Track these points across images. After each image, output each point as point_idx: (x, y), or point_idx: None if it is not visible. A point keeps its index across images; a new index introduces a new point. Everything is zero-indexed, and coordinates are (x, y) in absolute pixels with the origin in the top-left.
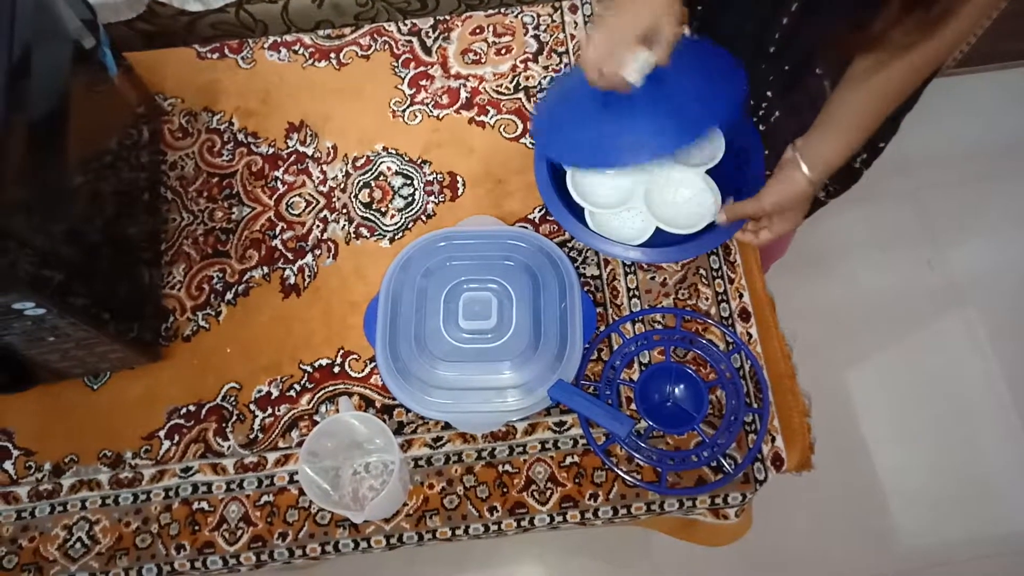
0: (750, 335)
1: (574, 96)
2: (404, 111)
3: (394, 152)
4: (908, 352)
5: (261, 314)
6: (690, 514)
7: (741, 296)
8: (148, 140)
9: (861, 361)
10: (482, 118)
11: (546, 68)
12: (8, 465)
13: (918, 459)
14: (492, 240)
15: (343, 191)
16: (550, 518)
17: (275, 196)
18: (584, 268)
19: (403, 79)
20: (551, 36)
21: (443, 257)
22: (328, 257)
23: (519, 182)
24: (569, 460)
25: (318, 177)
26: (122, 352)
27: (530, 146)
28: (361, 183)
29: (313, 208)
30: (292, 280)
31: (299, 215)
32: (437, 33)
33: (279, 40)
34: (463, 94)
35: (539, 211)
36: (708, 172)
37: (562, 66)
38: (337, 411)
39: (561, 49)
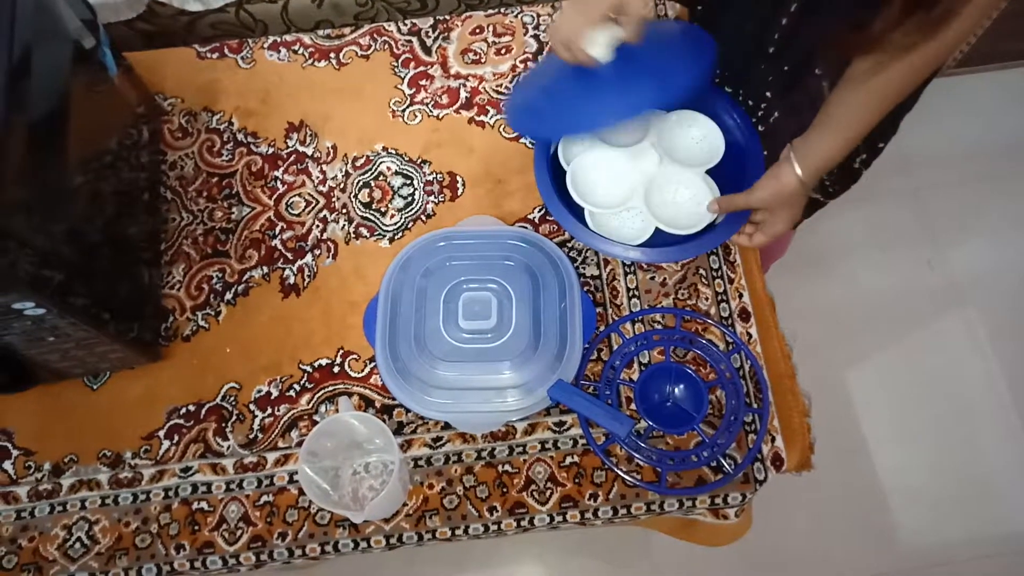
0: (750, 335)
1: (546, 74)
2: (404, 111)
3: (394, 152)
4: (908, 352)
5: (261, 314)
6: (690, 514)
7: (741, 296)
8: (148, 140)
9: (861, 361)
10: (482, 118)
11: None
12: (8, 465)
13: (918, 459)
14: (492, 240)
15: (343, 191)
16: (550, 518)
17: (275, 196)
18: (584, 268)
19: (403, 79)
20: None
21: (443, 257)
22: (328, 257)
23: (519, 182)
24: (569, 460)
25: (318, 177)
26: (122, 352)
27: (530, 146)
28: (361, 183)
29: (313, 208)
30: (292, 280)
31: (299, 215)
32: (437, 33)
33: (279, 40)
34: (463, 94)
35: (539, 211)
36: (708, 172)
37: None
38: (337, 411)
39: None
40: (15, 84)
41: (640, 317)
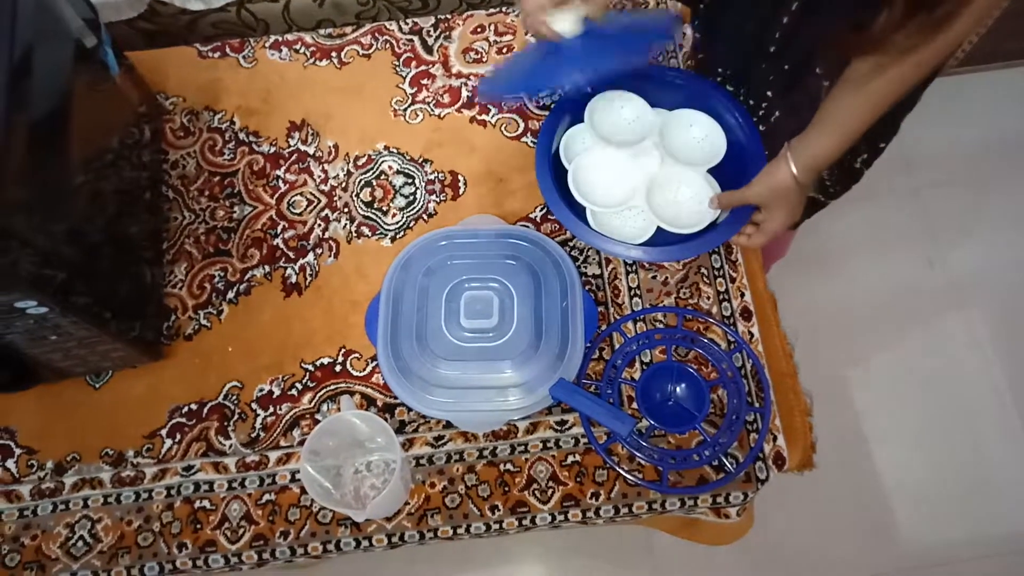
0: (752, 334)
1: (520, 53)
2: (405, 110)
3: (395, 151)
4: (909, 351)
5: (263, 313)
6: (692, 513)
7: (743, 295)
8: (150, 139)
9: (863, 360)
10: (483, 117)
11: None
12: (11, 463)
13: (919, 458)
14: (493, 239)
15: (344, 190)
16: (551, 517)
17: (276, 195)
18: (585, 267)
19: (404, 78)
20: None
21: (444, 256)
22: (329, 256)
23: (520, 181)
24: (570, 459)
25: (319, 176)
26: (124, 351)
27: (531, 145)
28: (362, 182)
29: (314, 207)
30: (294, 279)
31: (300, 214)
32: (438, 32)
33: (280, 39)
34: (464, 93)
35: (540, 210)
36: (709, 172)
37: None
38: (339, 410)
39: None
40: (16, 83)
41: (642, 316)
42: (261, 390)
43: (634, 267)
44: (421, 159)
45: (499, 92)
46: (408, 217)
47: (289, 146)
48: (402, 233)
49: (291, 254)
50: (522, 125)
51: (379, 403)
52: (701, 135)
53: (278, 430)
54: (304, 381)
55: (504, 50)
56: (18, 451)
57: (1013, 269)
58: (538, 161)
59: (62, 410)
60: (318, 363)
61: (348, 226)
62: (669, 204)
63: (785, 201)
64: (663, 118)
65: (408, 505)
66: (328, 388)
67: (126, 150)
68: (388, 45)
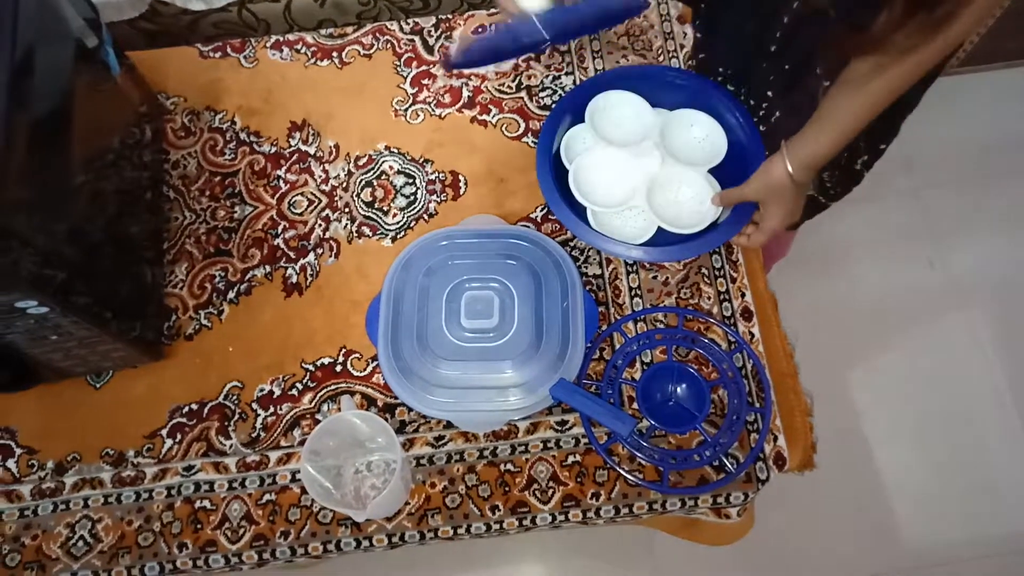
0: (752, 334)
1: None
2: (406, 110)
3: (396, 151)
4: (910, 351)
5: (263, 313)
6: (692, 513)
7: (743, 295)
8: (150, 139)
9: (863, 360)
10: (484, 117)
11: (548, 67)
12: (11, 463)
13: (920, 458)
14: (494, 239)
15: (345, 190)
16: (552, 517)
17: (277, 195)
18: (586, 267)
19: (405, 78)
20: None
21: (445, 256)
22: (330, 256)
23: (521, 181)
24: (571, 459)
25: (320, 176)
26: (124, 351)
27: (532, 145)
28: (363, 182)
29: (315, 207)
30: (294, 279)
31: (301, 214)
32: (439, 32)
33: (281, 39)
34: (465, 93)
35: (541, 210)
36: (710, 171)
37: (564, 65)
38: (339, 410)
39: (563, 47)
40: (18, 83)
41: (642, 316)
42: (262, 390)
43: (635, 267)
44: (422, 159)
45: (467, 62)
46: (409, 217)
47: (290, 146)
48: (403, 233)
49: (292, 254)
50: (523, 125)
51: (379, 403)
52: (702, 135)
53: (278, 430)
54: (305, 381)
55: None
56: (19, 451)
57: (1014, 269)
58: (539, 161)
59: (63, 410)
60: (319, 363)
61: (349, 226)
62: (670, 204)
63: (782, 198)
64: (664, 118)
65: (408, 505)
66: (329, 388)
67: (127, 150)
68: (389, 45)
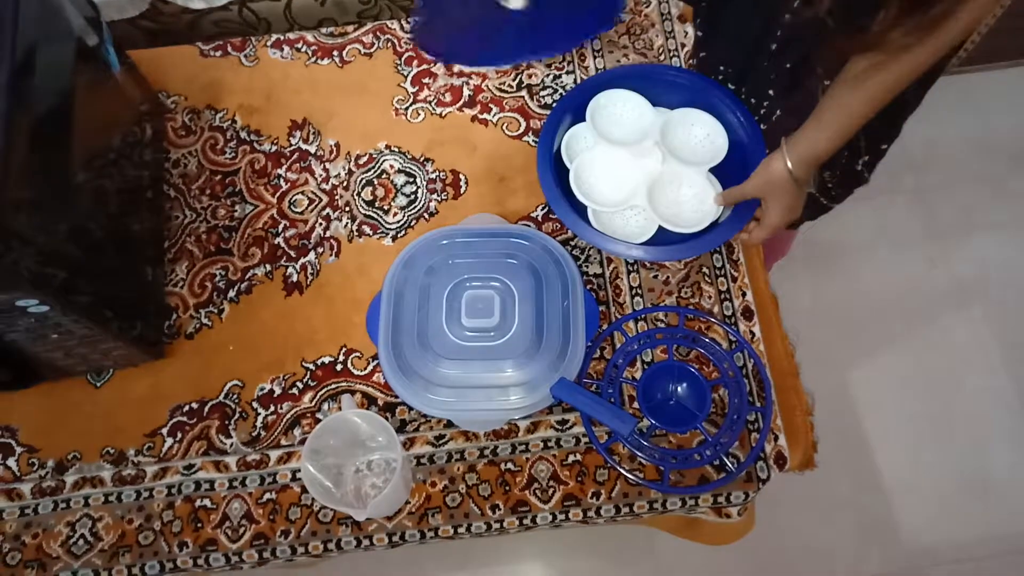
0: (753, 334)
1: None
2: (407, 109)
3: (397, 150)
4: (911, 351)
5: (264, 312)
6: (693, 513)
7: (744, 294)
8: (151, 138)
9: (864, 360)
10: (485, 116)
11: (549, 66)
12: (12, 462)
13: (921, 458)
14: (495, 238)
15: (346, 189)
16: (552, 516)
17: (278, 194)
18: (587, 266)
19: (406, 77)
20: None
21: (446, 255)
22: (331, 255)
23: (522, 180)
24: (571, 458)
25: (321, 175)
26: (125, 350)
27: (533, 144)
28: (364, 181)
29: (316, 206)
30: (295, 278)
31: (302, 213)
32: None
33: (282, 38)
34: (466, 92)
35: (542, 209)
36: (711, 171)
37: (564, 63)
38: (339, 409)
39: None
40: (18, 81)
41: (643, 315)
42: (262, 389)
43: (635, 266)
44: (422, 158)
45: (441, 54)
46: (409, 216)
47: (290, 145)
48: (403, 232)
49: (292, 253)
50: (523, 124)
51: (380, 402)
52: (703, 134)
53: (279, 429)
54: (305, 380)
55: None
56: (19, 449)
57: (1014, 269)
58: (539, 160)
59: (63, 409)
60: (319, 362)
61: (349, 225)
62: (671, 203)
63: (782, 193)
64: (665, 117)
65: (409, 504)
66: (329, 387)
67: (127, 149)
68: (390, 44)
